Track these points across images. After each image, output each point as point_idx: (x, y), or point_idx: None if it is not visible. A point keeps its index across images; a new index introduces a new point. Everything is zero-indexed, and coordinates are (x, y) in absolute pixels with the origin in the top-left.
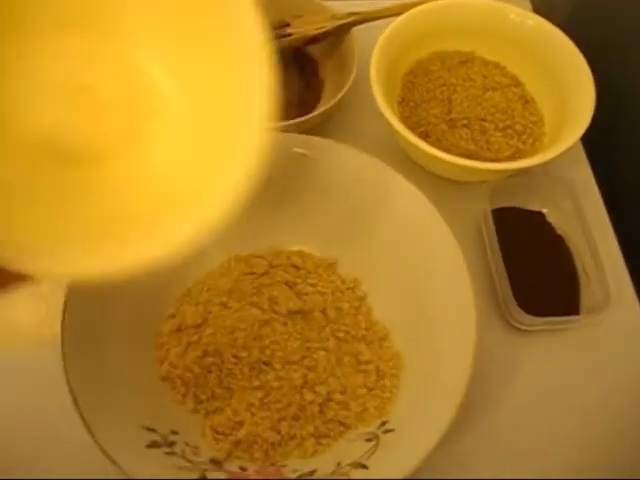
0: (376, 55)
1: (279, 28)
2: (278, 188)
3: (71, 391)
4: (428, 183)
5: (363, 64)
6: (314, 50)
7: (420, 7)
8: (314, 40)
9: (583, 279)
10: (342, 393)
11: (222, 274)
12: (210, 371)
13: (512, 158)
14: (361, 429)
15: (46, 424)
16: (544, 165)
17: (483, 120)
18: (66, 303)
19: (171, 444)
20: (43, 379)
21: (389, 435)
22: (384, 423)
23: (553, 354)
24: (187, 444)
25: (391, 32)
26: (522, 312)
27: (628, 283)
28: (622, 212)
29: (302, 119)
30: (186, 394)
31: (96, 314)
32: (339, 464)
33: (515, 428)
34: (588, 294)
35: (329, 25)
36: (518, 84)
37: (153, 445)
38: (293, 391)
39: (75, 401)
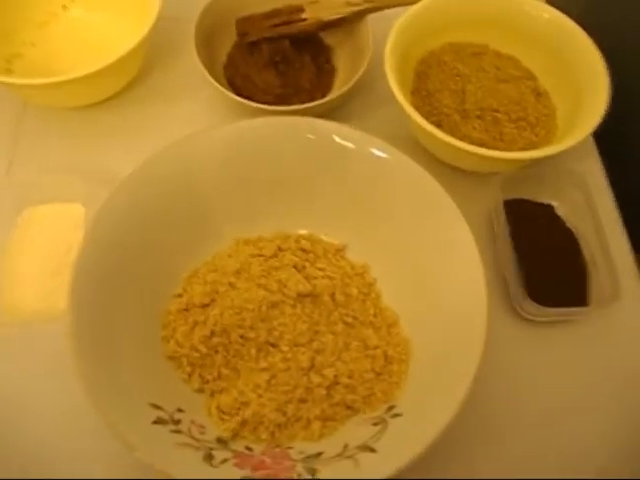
0: (391, 42)
1: (294, 13)
2: (288, 171)
3: (76, 365)
4: (440, 172)
5: (376, 53)
6: (328, 37)
7: None
8: (328, 26)
9: (592, 271)
10: (349, 377)
11: (230, 256)
12: (217, 351)
13: (524, 149)
14: (368, 413)
15: (52, 399)
16: (555, 158)
17: (496, 111)
18: (73, 280)
19: (177, 422)
20: (49, 354)
21: (397, 419)
22: (391, 407)
23: (561, 346)
24: (193, 422)
25: (406, 21)
26: (531, 302)
27: (637, 276)
28: (632, 207)
29: (313, 104)
30: (192, 374)
31: (103, 292)
32: (346, 446)
33: (522, 419)
34: (597, 286)
35: (344, 12)
36: (531, 77)
37: (159, 422)
38: (300, 373)
39: (80, 375)
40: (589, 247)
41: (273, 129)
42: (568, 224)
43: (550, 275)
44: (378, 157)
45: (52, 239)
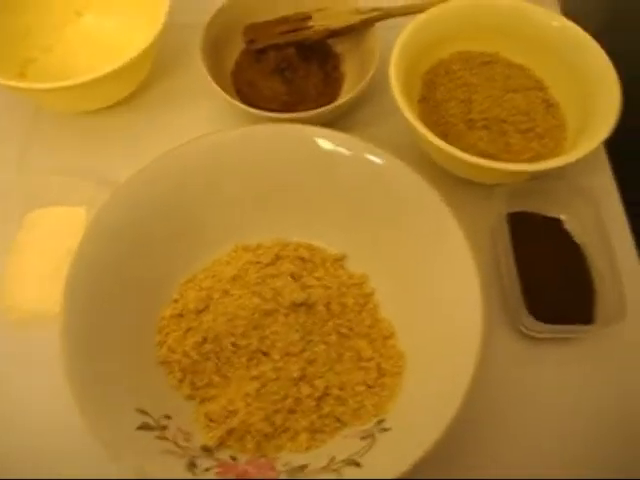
0: (396, 52)
1: (302, 20)
2: (286, 178)
3: (64, 367)
4: (444, 183)
5: (385, 61)
6: (338, 45)
7: (443, 5)
8: (336, 34)
9: (599, 289)
10: (340, 389)
11: (228, 262)
12: (208, 358)
13: (531, 161)
14: (357, 426)
15: (48, 400)
16: (565, 171)
17: (503, 121)
18: (67, 281)
19: (163, 428)
20: (46, 356)
21: (385, 434)
22: (381, 422)
23: (563, 363)
24: (179, 429)
25: (413, 30)
26: (531, 318)
27: None
28: None
29: (318, 111)
30: (183, 380)
31: (98, 295)
32: (332, 460)
33: (520, 437)
34: (603, 304)
35: (351, 20)
36: (542, 87)
37: (144, 427)
38: (290, 383)
39: (68, 377)
40: (596, 263)
41: (267, 136)
42: (576, 239)
43: (554, 291)
44: (373, 163)
45: (53, 241)
